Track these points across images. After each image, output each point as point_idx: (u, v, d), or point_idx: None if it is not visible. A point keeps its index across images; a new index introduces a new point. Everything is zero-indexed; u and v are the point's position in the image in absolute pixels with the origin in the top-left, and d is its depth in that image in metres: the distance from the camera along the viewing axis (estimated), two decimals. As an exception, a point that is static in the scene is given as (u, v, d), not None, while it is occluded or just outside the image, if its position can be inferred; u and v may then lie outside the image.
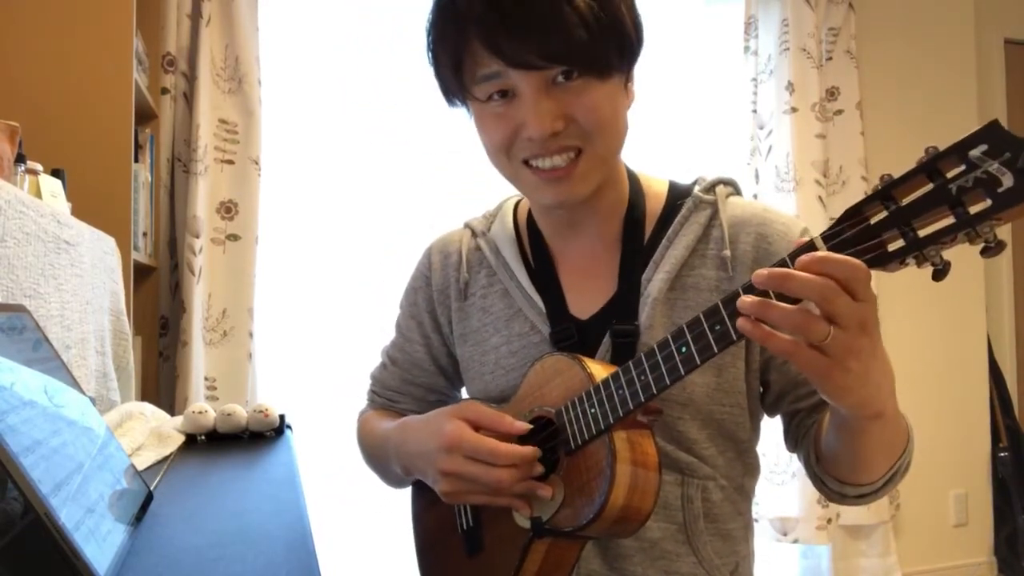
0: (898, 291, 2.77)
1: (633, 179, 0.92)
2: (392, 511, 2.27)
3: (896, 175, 0.56)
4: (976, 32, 2.96)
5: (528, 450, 0.76)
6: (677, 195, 0.91)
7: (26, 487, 0.46)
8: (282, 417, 1.19)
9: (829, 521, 2.56)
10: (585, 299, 0.89)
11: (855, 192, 2.68)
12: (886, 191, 0.56)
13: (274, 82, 2.26)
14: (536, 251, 0.94)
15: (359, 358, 2.32)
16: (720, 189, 0.89)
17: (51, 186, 1.31)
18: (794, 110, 2.60)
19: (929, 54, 2.89)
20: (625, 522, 0.74)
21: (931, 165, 0.54)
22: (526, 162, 0.81)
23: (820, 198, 2.63)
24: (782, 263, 0.60)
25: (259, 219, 2.16)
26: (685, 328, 0.67)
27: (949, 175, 0.53)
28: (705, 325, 0.66)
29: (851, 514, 2.63)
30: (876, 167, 2.74)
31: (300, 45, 2.33)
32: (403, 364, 1.06)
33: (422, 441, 0.85)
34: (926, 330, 2.83)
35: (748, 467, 0.91)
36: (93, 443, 0.65)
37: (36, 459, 0.50)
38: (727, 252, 0.85)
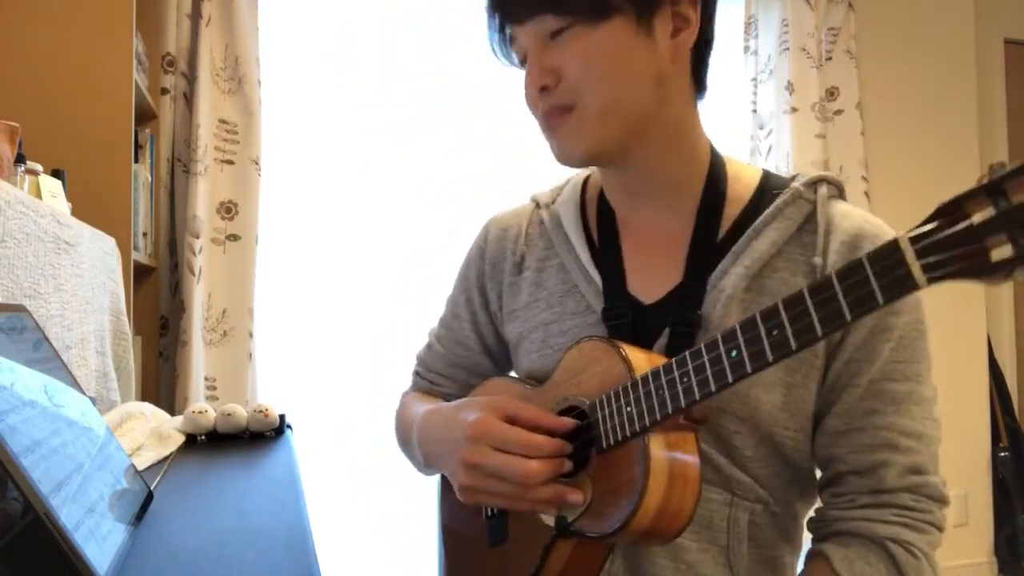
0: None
1: (717, 158, 0.84)
2: (392, 511, 2.27)
3: (1010, 166, 0.46)
4: (976, 32, 2.95)
5: (559, 443, 0.71)
6: (772, 185, 0.82)
7: (26, 487, 0.46)
8: (282, 417, 1.19)
9: (829, 521, 2.55)
10: (649, 280, 0.82)
11: (855, 192, 2.67)
12: (997, 184, 0.46)
13: (274, 82, 2.26)
14: (602, 226, 0.87)
15: (359, 358, 2.33)
16: (823, 189, 0.80)
17: (51, 186, 1.31)
18: (794, 110, 2.60)
19: (929, 54, 2.88)
20: (655, 535, 0.69)
21: None
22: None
23: (820, 198, 2.62)
24: (858, 263, 0.53)
25: (259, 219, 2.15)
26: (738, 329, 0.60)
27: None
28: (761, 328, 0.58)
29: (851, 514, 2.62)
30: (876, 167, 2.74)
31: (300, 45, 2.33)
32: (447, 343, 1.01)
33: (447, 429, 0.79)
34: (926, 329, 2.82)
35: (804, 493, 0.83)
36: (93, 443, 0.65)
37: (36, 459, 0.50)
38: (818, 259, 0.76)
